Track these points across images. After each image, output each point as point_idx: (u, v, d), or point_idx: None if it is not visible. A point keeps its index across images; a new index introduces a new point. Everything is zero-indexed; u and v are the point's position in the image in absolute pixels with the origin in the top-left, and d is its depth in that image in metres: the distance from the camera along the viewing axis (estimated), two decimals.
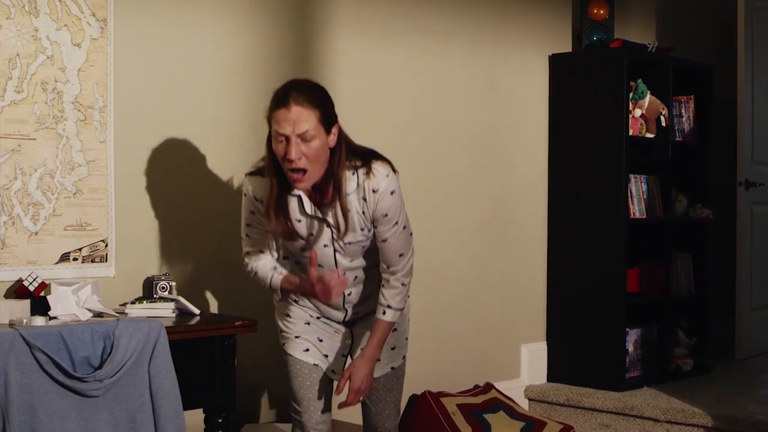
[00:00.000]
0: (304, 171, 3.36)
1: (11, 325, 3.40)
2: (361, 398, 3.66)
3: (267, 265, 3.66)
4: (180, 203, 4.28)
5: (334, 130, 3.43)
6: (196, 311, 3.91)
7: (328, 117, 3.39)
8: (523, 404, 5.83)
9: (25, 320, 3.44)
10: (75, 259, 3.96)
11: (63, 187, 3.92)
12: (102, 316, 3.66)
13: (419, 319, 5.20)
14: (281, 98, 3.35)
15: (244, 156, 4.29)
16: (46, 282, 3.71)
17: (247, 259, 3.68)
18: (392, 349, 3.80)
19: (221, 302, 4.40)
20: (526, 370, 5.93)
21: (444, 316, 5.43)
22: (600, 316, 5.82)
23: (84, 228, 3.98)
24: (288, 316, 3.74)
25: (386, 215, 3.52)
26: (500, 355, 5.80)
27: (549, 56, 6.03)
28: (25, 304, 3.55)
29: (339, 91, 4.87)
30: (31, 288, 3.67)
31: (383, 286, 3.65)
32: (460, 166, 5.53)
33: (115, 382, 3.25)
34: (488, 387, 5.38)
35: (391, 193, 3.51)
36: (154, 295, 3.99)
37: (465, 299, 5.56)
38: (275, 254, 3.70)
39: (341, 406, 3.66)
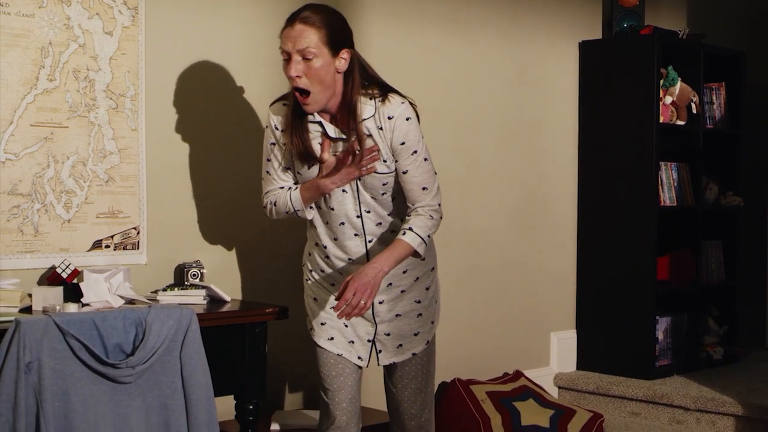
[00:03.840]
0: (307, 93, 3.37)
1: (44, 311, 3.42)
2: (358, 312, 3.32)
3: (283, 191, 3.60)
4: (211, 190, 4.29)
5: (345, 54, 3.42)
6: (227, 298, 3.92)
7: (335, 39, 3.38)
8: (553, 392, 5.83)
9: (58, 307, 3.46)
10: (107, 247, 3.99)
11: (95, 175, 3.94)
12: (134, 303, 3.68)
13: (449, 307, 5.21)
14: (289, 18, 3.39)
15: None
16: (79, 269, 3.74)
17: (266, 200, 3.64)
18: (415, 335, 3.71)
19: (252, 289, 4.42)
20: (556, 358, 5.93)
21: (474, 304, 5.43)
22: (630, 304, 5.80)
23: (116, 215, 4.00)
24: (315, 299, 3.73)
25: (403, 143, 3.46)
26: (530, 343, 5.80)
27: (579, 43, 6.00)
28: (58, 291, 3.57)
29: None
30: (64, 275, 3.69)
31: (407, 215, 3.54)
32: (490, 155, 5.52)
33: (147, 368, 3.27)
34: (517, 375, 5.39)
35: (407, 119, 3.46)
36: (186, 282, 4.00)
37: (495, 287, 5.56)
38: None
39: (339, 314, 3.34)
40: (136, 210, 4.06)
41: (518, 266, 5.68)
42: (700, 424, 5.30)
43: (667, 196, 5.89)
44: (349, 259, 3.61)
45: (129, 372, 3.23)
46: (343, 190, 3.52)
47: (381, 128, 3.46)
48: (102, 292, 3.64)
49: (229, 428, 4.01)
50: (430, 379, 3.82)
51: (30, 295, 3.56)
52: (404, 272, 3.65)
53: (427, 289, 3.75)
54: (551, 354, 5.92)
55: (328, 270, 3.67)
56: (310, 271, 3.74)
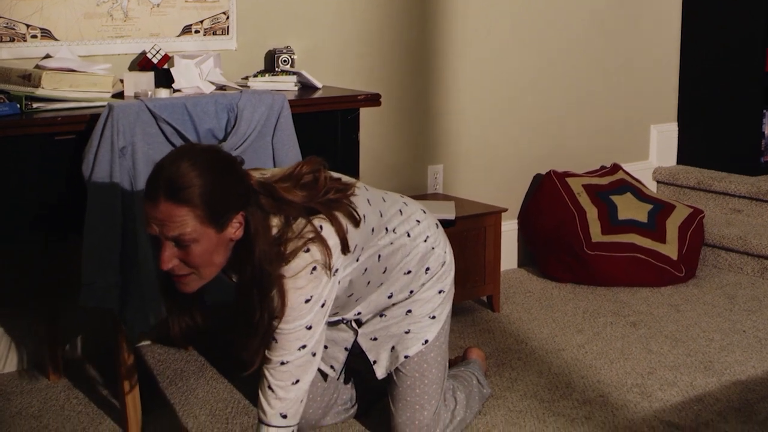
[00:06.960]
0: (188, 273, 2.60)
1: (136, 97, 3.42)
2: None
3: None
4: None
5: (236, 221, 2.57)
6: (319, 85, 3.89)
7: (217, 210, 2.52)
8: (651, 187, 5.75)
9: (149, 92, 3.47)
10: (197, 32, 3.94)
11: None
12: (225, 89, 3.65)
13: (545, 98, 5.11)
14: (149, 187, 2.53)
15: None
16: (169, 54, 3.71)
17: None
18: (406, 332, 3.11)
19: (344, 76, 4.36)
20: (656, 151, 5.81)
21: (571, 95, 5.30)
22: (735, 96, 5.62)
23: (205, 0, 3.94)
24: None
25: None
26: (629, 136, 5.67)
27: None
28: (150, 76, 3.56)
29: None
30: (155, 60, 3.67)
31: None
32: None
33: (240, 154, 3.25)
34: (615, 168, 5.30)
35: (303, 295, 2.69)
36: (276, 68, 3.97)
37: (594, 78, 5.41)
38: None
39: None
40: None
41: (619, 55, 5.51)
42: None
43: None
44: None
45: None
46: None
47: None
48: (193, 77, 3.62)
49: None
50: (429, 398, 3.15)
51: (122, 81, 3.55)
52: (381, 316, 3.14)
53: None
54: (651, 147, 5.80)
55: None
56: None
